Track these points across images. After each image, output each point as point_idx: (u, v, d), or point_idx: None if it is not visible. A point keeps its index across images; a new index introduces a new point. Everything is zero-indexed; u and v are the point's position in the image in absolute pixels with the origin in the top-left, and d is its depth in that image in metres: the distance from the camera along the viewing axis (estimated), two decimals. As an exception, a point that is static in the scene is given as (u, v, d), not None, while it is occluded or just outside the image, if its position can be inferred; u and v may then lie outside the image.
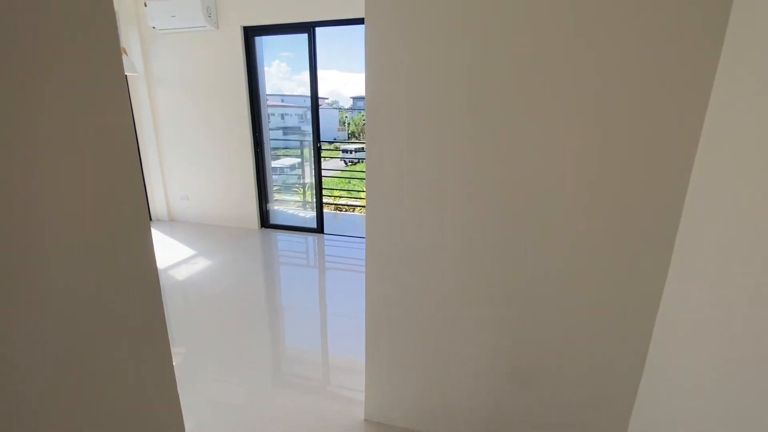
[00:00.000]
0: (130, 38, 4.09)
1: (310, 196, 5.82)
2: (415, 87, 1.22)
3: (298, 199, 6.05)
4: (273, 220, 4.51)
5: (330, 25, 3.64)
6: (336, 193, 6.52)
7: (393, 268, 1.42)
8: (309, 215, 5.09)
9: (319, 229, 4.28)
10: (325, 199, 4.45)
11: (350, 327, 2.44)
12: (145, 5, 3.77)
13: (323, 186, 4.22)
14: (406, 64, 1.20)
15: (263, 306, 2.73)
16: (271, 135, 4.43)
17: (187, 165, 4.44)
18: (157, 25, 3.83)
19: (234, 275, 3.18)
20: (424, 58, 1.18)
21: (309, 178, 5.83)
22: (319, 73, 3.82)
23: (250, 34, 3.87)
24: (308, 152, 5.18)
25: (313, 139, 4.01)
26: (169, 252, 3.69)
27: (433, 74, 1.19)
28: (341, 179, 7.47)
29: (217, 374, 1.97)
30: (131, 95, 4.29)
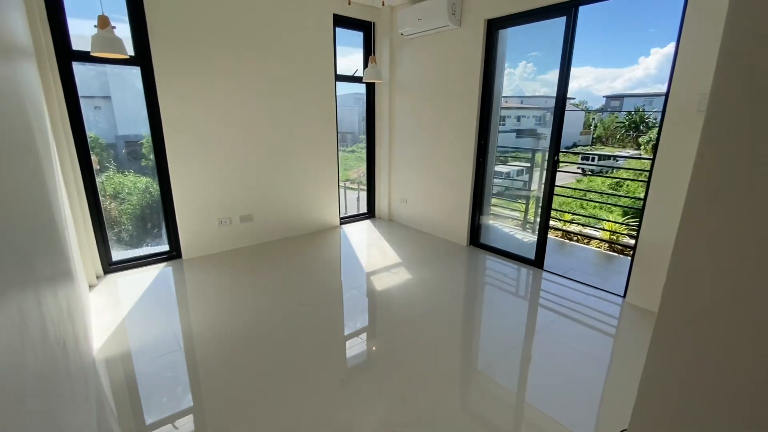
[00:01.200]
0: (382, 47, 4.37)
1: (533, 214, 4.94)
2: None
3: (517, 215, 5.29)
4: (484, 238, 3.98)
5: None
6: (567, 216, 5.33)
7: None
8: (528, 239, 4.29)
9: (538, 262, 3.45)
10: (552, 222, 3.55)
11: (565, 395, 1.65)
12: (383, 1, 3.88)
13: (552, 206, 3.35)
14: None
15: (457, 348, 2.27)
16: (500, 139, 3.87)
17: (410, 168, 4.47)
18: (406, 30, 3.89)
19: (431, 297, 2.86)
20: None
21: (536, 189, 4.98)
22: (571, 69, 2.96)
23: (494, 27, 3.38)
24: (540, 158, 4.34)
25: (551, 145, 3.19)
26: (377, 253, 3.77)
27: None
28: (574, 198, 6.09)
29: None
30: (375, 100, 4.63)
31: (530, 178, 4.78)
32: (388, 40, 4.30)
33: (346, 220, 4.80)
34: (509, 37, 3.50)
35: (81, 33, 2.78)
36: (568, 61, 2.96)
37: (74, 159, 2.85)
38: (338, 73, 4.21)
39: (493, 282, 3.23)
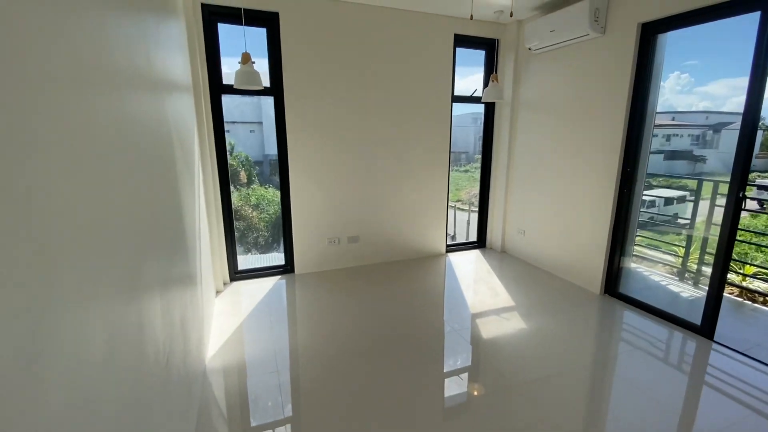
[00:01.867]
0: (505, 65, 4.04)
1: (696, 260, 3.87)
2: None
3: (672, 259, 4.24)
4: (625, 287, 3.22)
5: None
6: (749, 269, 4.04)
7: None
8: (687, 294, 3.36)
9: (705, 328, 2.60)
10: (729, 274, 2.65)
11: None
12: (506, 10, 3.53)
13: (731, 252, 2.50)
14: None
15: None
16: (647, 160, 3.13)
17: (530, 196, 3.97)
18: (534, 45, 3.50)
19: (551, 359, 2.37)
20: None
21: (700, 227, 3.93)
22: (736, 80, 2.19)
23: (651, 31, 2.77)
24: (709, 189, 3.37)
25: (733, 175, 2.40)
26: (486, 290, 3.37)
27: None
28: (760, 246, 4.56)
29: None
30: (494, 121, 4.29)
31: (694, 212, 3.75)
32: (513, 57, 3.95)
33: (453, 248, 4.50)
34: (668, 42, 2.82)
35: (230, 70, 3.19)
36: (763, 68, 2.20)
37: (216, 177, 3.26)
38: (456, 94, 4.03)
39: (638, 348, 2.52)
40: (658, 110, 2.97)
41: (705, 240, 3.74)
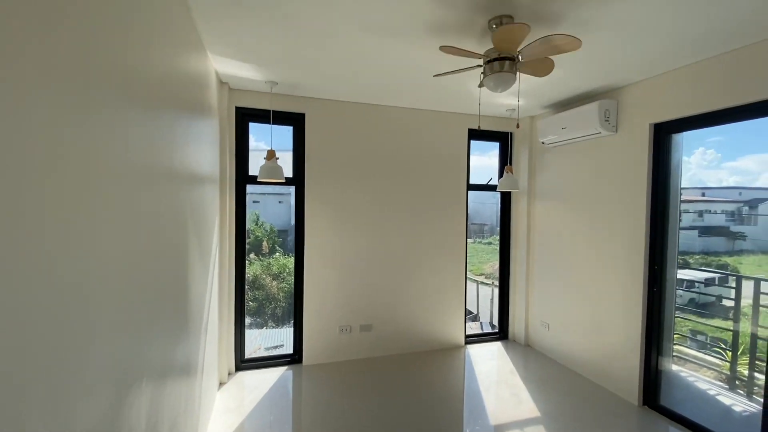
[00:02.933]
0: (520, 155, 4.16)
1: (745, 363, 3.44)
2: None
3: (718, 362, 3.82)
4: (667, 398, 2.85)
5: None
6: None
7: None
8: (741, 408, 2.95)
9: (774, 460, 2.20)
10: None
11: None
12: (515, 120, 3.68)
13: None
14: None
15: None
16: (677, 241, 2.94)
17: (553, 288, 3.78)
18: (548, 139, 3.62)
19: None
20: None
21: (747, 312, 3.54)
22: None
23: (663, 131, 2.82)
24: (750, 268, 3.11)
25: None
26: (508, 395, 3.05)
27: None
28: None
29: None
30: (512, 208, 4.29)
31: (736, 301, 3.40)
32: (527, 149, 4.07)
33: (473, 339, 4.23)
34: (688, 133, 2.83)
35: (256, 162, 3.41)
36: None
37: (233, 257, 3.29)
38: (473, 179, 4.11)
39: (692, 482, 2.14)
40: (684, 185, 2.83)
41: (754, 336, 3.38)
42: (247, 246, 3.52)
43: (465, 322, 4.10)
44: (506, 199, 4.33)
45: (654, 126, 2.85)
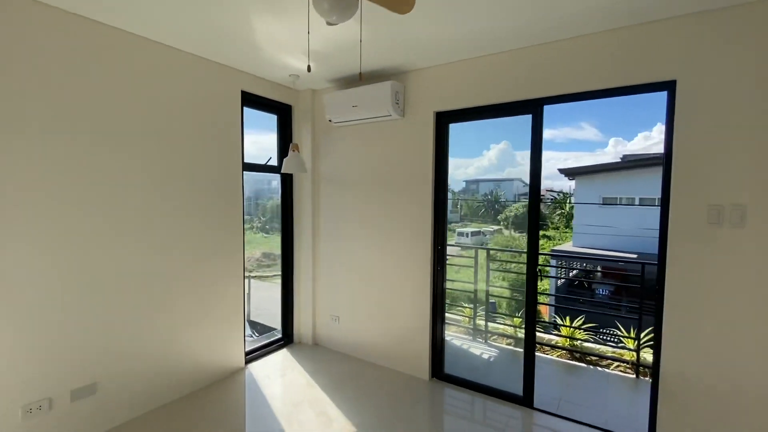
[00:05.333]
0: (302, 134, 3.63)
1: (483, 314, 4.36)
2: None
3: (460, 318, 4.68)
4: (449, 366, 3.14)
5: (565, 101, 2.52)
6: (514, 321, 4.87)
7: None
8: (488, 351, 3.63)
9: (527, 398, 2.72)
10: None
11: None
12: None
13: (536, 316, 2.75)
14: None
15: None
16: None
17: (342, 278, 3.53)
18: (336, 117, 3.25)
19: None
20: None
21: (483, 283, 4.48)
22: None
23: (443, 120, 2.98)
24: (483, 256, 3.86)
25: (529, 244, 2.67)
26: (313, 417, 2.55)
27: None
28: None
29: None
30: (294, 193, 3.73)
31: (475, 267, 4.22)
32: (311, 126, 3.59)
33: (255, 354, 3.44)
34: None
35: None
36: (538, 148, 2.63)
37: None
38: (247, 161, 3.25)
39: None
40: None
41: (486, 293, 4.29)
42: None
43: (245, 337, 3.27)
44: (288, 183, 3.72)
45: (436, 114, 2.97)
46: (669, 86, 2.16)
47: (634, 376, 3.32)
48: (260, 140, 3.66)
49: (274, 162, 3.62)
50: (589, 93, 2.39)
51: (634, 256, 9.07)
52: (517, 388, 2.75)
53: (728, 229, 1.99)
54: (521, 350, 2.82)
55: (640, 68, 2.19)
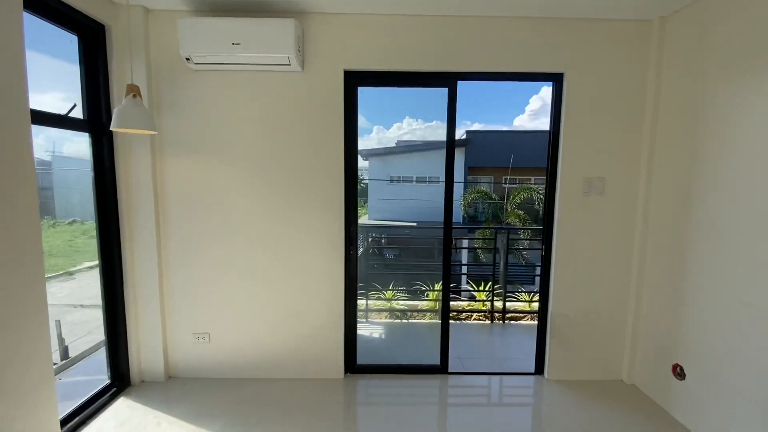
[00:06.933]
0: (126, 74, 2.37)
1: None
2: None
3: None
4: (360, 357, 2.87)
5: (476, 78, 2.63)
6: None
7: None
8: (372, 329, 3.58)
9: (443, 365, 2.82)
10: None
11: None
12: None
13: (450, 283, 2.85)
14: None
15: None
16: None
17: (216, 279, 2.63)
18: (198, 56, 2.28)
19: None
20: None
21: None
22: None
23: (353, 82, 2.57)
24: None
25: (445, 219, 2.70)
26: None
27: None
28: None
29: None
30: (119, 170, 2.45)
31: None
32: (144, 64, 2.40)
33: (76, 421, 2.14)
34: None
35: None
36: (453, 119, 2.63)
37: None
38: (36, 108, 1.86)
39: None
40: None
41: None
42: None
43: (56, 401, 1.96)
44: (105, 149, 2.39)
45: (346, 73, 2.53)
46: (557, 78, 2.56)
47: (489, 321, 4.02)
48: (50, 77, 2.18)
49: (79, 113, 2.24)
50: (499, 74, 2.57)
51: (414, 224, 11.05)
52: (435, 359, 2.81)
53: (595, 197, 2.59)
54: (438, 322, 2.89)
55: (543, 57, 2.49)
